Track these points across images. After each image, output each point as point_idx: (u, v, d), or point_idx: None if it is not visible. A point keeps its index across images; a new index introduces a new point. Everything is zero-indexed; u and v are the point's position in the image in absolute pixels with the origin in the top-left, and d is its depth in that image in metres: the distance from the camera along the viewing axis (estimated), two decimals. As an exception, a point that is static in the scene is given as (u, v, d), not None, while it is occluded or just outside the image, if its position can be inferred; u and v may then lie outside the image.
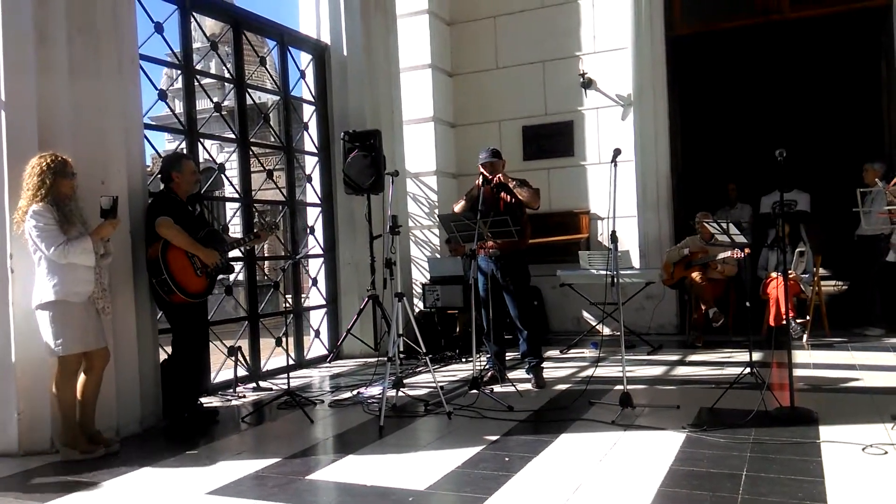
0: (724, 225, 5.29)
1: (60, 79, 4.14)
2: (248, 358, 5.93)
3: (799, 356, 6.04)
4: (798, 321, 6.64)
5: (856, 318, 7.24)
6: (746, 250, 5.87)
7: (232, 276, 6.50)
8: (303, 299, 7.20)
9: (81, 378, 3.99)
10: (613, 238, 4.62)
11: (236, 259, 6.00)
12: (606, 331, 7.49)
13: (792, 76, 10.97)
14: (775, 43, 9.45)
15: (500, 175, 5.40)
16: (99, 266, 4.00)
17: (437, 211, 8.09)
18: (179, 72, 5.84)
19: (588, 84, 8.04)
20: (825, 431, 3.83)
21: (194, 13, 5.81)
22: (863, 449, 3.51)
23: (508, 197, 5.42)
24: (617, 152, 4.70)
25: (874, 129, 7.92)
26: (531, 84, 8.33)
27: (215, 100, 6.58)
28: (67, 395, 3.94)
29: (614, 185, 4.58)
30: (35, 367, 4.03)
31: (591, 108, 8.09)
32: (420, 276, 8.03)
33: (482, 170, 5.47)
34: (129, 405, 4.46)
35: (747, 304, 4.97)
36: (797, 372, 5.00)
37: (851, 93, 10.08)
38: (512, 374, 5.61)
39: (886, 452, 3.45)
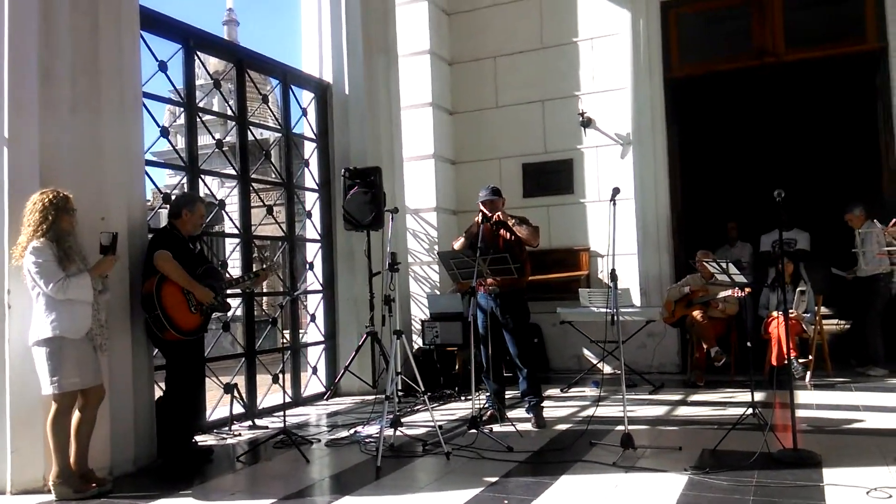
0: (723, 264, 5.28)
1: (63, 116, 4.18)
2: (244, 395, 5.88)
3: (801, 396, 5.98)
4: (800, 361, 6.60)
5: (858, 358, 7.19)
6: (747, 289, 5.86)
7: (230, 313, 6.47)
8: (301, 335, 7.16)
9: (76, 416, 3.94)
10: (613, 276, 4.62)
11: (234, 295, 5.98)
12: (607, 369, 7.44)
13: (790, 117, 11.11)
14: (772, 84, 9.56)
15: (499, 213, 5.42)
16: (97, 302, 3.99)
17: (436, 247, 8.10)
18: (182, 109, 5.90)
19: (587, 123, 8.12)
20: (829, 474, 3.78)
21: (198, 52, 5.89)
22: (867, 492, 3.45)
23: (508, 234, 5.43)
24: (616, 191, 4.73)
25: (872, 169, 7.97)
26: (531, 122, 8.41)
27: (217, 136, 6.64)
28: (62, 433, 3.89)
29: (613, 224, 4.59)
30: (29, 405, 3.98)
31: (590, 146, 8.15)
32: (419, 312, 8.00)
33: (482, 207, 5.48)
34: (122, 443, 4.40)
35: (748, 343, 4.93)
36: (800, 413, 4.93)
37: (849, 133, 10.19)
38: (512, 413, 5.54)
39: (891, 496, 3.39)
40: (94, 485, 3.95)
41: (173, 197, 5.13)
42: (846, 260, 7.23)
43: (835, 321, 9.18)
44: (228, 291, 5.03)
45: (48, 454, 3.93)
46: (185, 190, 5.88)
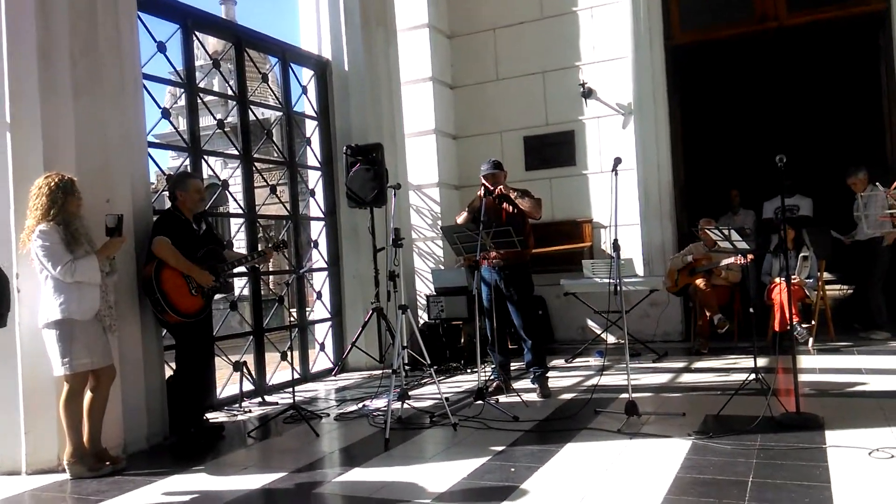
0: (725, 231, 5.29)
1: (64, 99, 4.19)
2: (253, 372, 5.95)
3: (804, 361, 6.02)
4: (803, 326, 6.63)
5: (862, 322, 7.22)
6: (750, 256, 5.87)
7: (237, 292, 6.52)
8: (307, 313, 7.22)
9: (88, 396, 4.01)
10: (615, 246, 4.64)
11: (241, 274, 6.03)
12: (611, 339, 7.49)
13: (792, 82, 11.00)
14: (774, 49, 9.47)
15: (501, 186, 5.43)
16: (105, 284, 4.04)
17: (440, 222, 8.12)
18: (182, 90, 5.90)
19: (588, 94, 8.07)
20: (831, 436, 3.83)
21: (196, 32, 5.87)
22: (869, 453, 3.50)
23: (510, 208, 5.45)
24: (617, 161, 4.73)
25: (875, 133, 7.92)
26: (532, 94, 8.37)
27: (218, 116, 6.63)
28: (74, 413, 3.96)
29: (615, 194, 4.60)
30: (42, 386, 4.05)
31: (591, 117, 8.12)
32: (424, 287, 8.04)
33: (484, 181, 5.50)
34: (135, 422, 4.48)
35: (751, 310, 4.96)
36: (803, 377, 4.98)
37: (852, 97, 10.10)
38: (517, 384, 5.61)
39: (893, 456, 3.44)
40: (108, 463, 4.04)
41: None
42: (848, 225, 7.23)
43: (838, 286, 9.19)
44: (235, 270, 5.06)
45: (62, 434, 4.01)
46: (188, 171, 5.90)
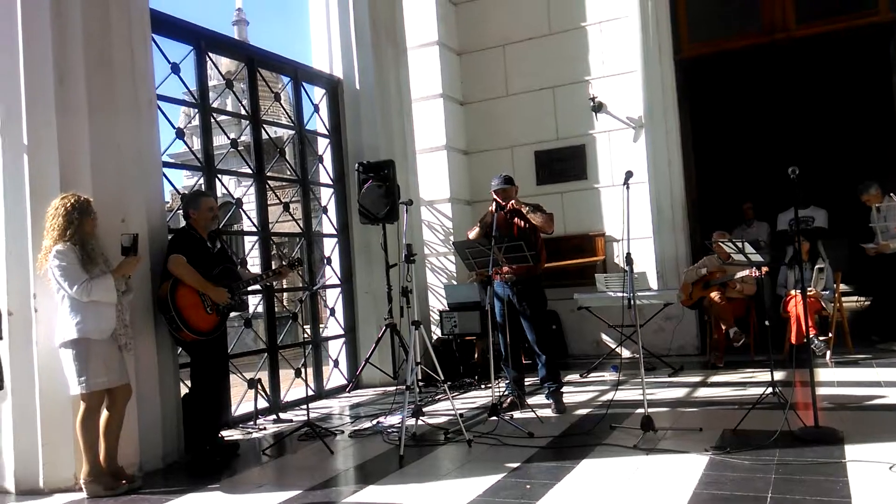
0: (739, 244, 5.27)
1: (80, 120, 4.25)
2: (267, 390, 5.96)
3: (822, 374, 5.97)
4: (820, 338, 6.56)
5: (881, 334, 7.13)
6: (764, 269, 5.83)
7: (251, 309, 6.54)
8: (321, 329, 7.24)
9: (104, 414, 4.03)
10: (628, 260, 4.62)
11: (254, 292, 6.06)
12: (626, 353, 7.44)
13: (803, 93, 10.98)
14: (784, 61, 9.47)
15: (513, 201, 5.44)
16: (121, 303, 4.08)
17: (452, 238, 8.13)
18: (196, 110, 5.97)
19: (598, 108, 8.09)
20: (851, 451, 3.78)
21: (210, 53, 5.95)
22: (890, 468, 3.45)
23: (522, 222, 5.45)
24: (629, 175, 4.73)
25: (887, 143, 7.88)
26: (542, 109, 8.40)
27: (232, 136, 6.71)
28: (91, 432, 3.98)
29: (628, 208, 4.61)
30: (58, 405, 4.08)
31: (602, 131, 8.13)
32: (437, 303, 8.05)
33: (495, 196, 5.51)
34: (151, 441, 4.49)
35: (766, 323, 4.92)
36: (821, 390, 4.94)
37: (864, 107, 10.06)
38: (531, 400, 5.58)
39: (914, 471, 3.39)
40: (124, 482, 4.04)
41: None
42: (864, 236, 7.17)
43: (855, 298, 9.11)
44: (249, 288, 5.08)
45: (78, 453, 4.02)
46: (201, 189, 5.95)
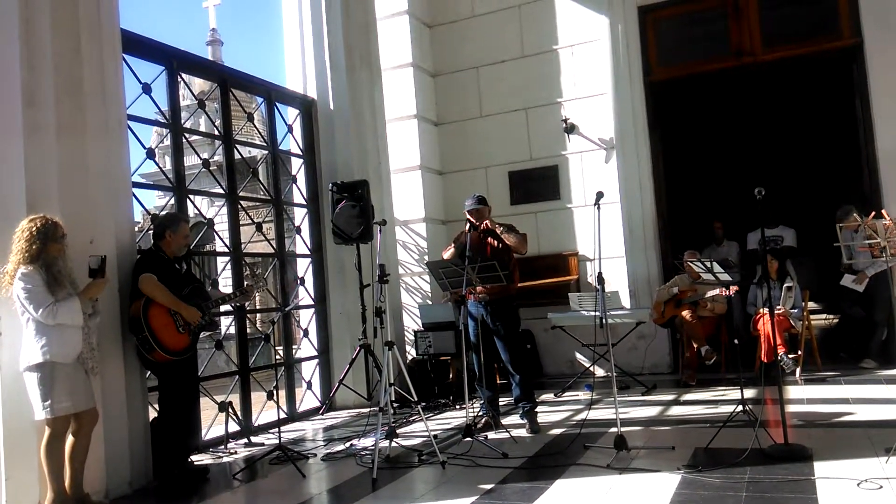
0: (708, 264, 5.34)
1: (48, 140, 4.19)
2: (239, 413, 5.88)
3: (792, 391, 6.04)
4: (790, 356, 6.65)
5: (849, 352, 7.24)
6: (734, 288, 5.91)
7: (223, 330, 6.47)
8: (294, 351, 7.17)
9: (69, 440, 3.94)
10: (600, 279, 4.67)
11: (226, 313, 6.00)
12: (600, 372, 7.48)
13: (771, 115, 11.22)
14: (752, 84, 9.67)
15: (487, 221, 5.46)
16: (87, 325, 4.00)
17: (426, 257, 8.13)
18: (168, 130, 5.93)
19: (571, 129, 8.19)
20: (820, 467, 3.82)
21: (182, 73, 5.92)
22: (858, 484, 3.50)
23: (496, 242, 5.48)
24: (599, 195, 4.79)
25: (852, 164, 8.06)
26: (515, 130, 8.48)
27: (204, 155, 6.66)
28: (56, 458, 3.88)
29: (599, 227, 4.65)
30: (23, 431, 3.97)
31: (574, 152, 8.22)
32: (412, 322, 8.02)
33: (469, 216, 5.53)
34: (118, 466, 4.40)
35: (736, 341, 4.98)
36: (790, 408, 4.99)
37: (829, 128, 10.30)
38: (506, 420, 5.57)
39: (881, 487, 3.44)
40: (90, 508, 3.95)
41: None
42: (833, 255, 7.27)
43: (823, 316, 9.26)
44: (220, 309, 5.03)
45: (43, 480, 3.92)
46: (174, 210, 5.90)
